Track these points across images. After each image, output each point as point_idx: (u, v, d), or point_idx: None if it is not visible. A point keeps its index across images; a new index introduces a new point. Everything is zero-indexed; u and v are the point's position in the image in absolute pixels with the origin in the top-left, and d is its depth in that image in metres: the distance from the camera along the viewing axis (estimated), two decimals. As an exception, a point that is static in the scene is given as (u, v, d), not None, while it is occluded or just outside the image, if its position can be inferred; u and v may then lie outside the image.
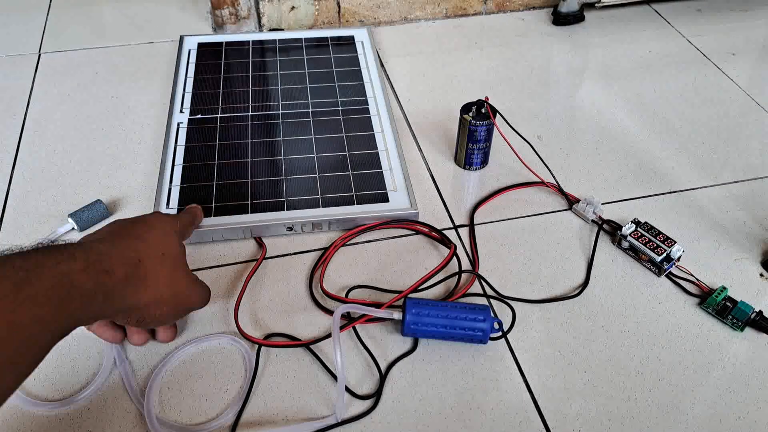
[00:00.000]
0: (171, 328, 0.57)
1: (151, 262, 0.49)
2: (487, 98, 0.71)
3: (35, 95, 0.87)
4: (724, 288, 0.63)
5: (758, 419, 0.54)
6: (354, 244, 0.68)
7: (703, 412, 0.54)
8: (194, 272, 0.64)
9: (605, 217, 0.70)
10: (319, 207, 0.69)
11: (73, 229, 0.67)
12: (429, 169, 0.77)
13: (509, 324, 0.60)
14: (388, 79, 0.91)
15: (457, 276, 0.64)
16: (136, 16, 1.03)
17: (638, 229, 0.66)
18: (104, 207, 0.68)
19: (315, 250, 0.67)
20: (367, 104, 0.83)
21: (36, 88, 0.88)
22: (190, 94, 0.84)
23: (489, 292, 0.63)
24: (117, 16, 1.03)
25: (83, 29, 1.00)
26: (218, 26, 0.98)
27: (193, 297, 0.54)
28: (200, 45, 0.93)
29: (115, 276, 0.44)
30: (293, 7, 0.97)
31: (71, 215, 0.67)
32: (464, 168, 0.77)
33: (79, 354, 0.57)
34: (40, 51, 0.95)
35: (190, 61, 0.90)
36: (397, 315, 0.57)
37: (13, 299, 0.37)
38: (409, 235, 0.69)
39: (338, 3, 0.98)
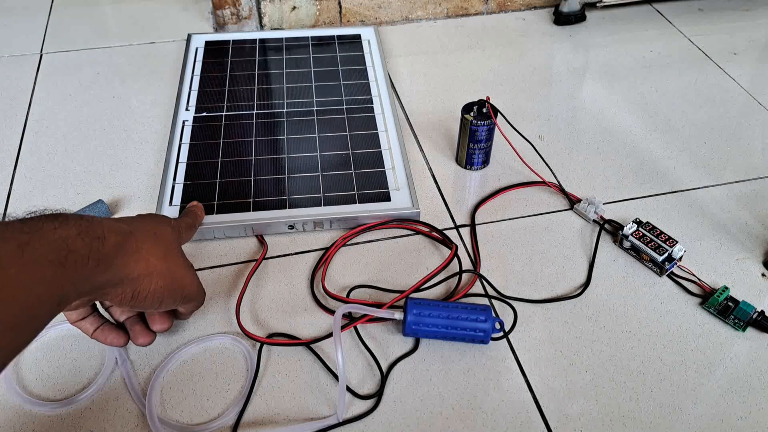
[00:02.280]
0: (166, 318, 0.56)
1: (143, 236, 0.49)
2: (488, 98, 0.71)
3: (37, 95, 0.87)
4: (725, 288, 0.62)
5: (760, 419, 0.54)
6: (355, 243, 0.68)
7: (704, 412, 0.54)
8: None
9: (607, 216, 0.70)
10: (321, 206, 0.69)
11: None
12: (430, 169, 0.77)
13: (510, 324, 0.60)
14: (390, 78, 0.90)
15: (458, 276, 0.64)
16: (137, 16, 1.03)
17: (640, 228, 0.66)
18: (106, 207, 0.69)
19: (316, 249, 0.67)
20: (372, 103, 0.83)
21: (38, 88, 0.88)
22: (196, 91, 0.84)
23: (490, 292, 0.63)
24: (118, 17, 1.04)
25: (85, 29, 1.00)
26: (219, 26, 0.98)
27: (187, 279, 0.53)
28: (207, 43, 0.93)
29: (107, 243, 0.45)
30: (294, 7, 0.97)
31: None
32: (465, 168, 0.76)
33: (80, 354, 0.57)
34: (41, 51, 0.95)
35: (197, 59, 0.90)
36: (398, 315, 0.57)
37: (18, 260, 0.38)
38: (411, 234, 0.69)
39: (339, 3, 0.98)
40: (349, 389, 0.55)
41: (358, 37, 0.95)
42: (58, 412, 0.53)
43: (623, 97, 0.88)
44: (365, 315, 0.59)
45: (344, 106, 0.82)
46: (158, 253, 0.50)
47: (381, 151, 0.76)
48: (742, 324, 0.60)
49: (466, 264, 0.66)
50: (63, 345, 0.58)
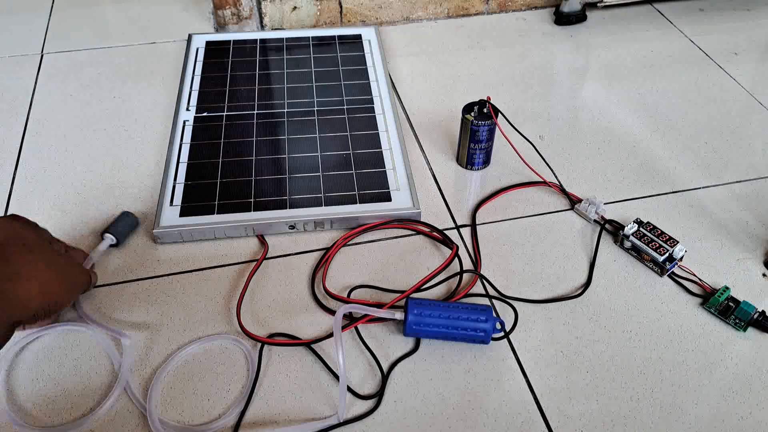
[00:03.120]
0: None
1: (17, 250, 0.49)
2: (489, 98, 0.71)
3: (38, 96, 0.87)
4: (726, 288, 0.62)
5: (761, 419, 0.54)
6: (356, 244, 0.68)
7: (705, 412, 0.54)
8: (196, 271, 0.65)
9: (607, 216, 0.70)
10: (321, 206, 0.69)
11: (111, 245, 0.65)
12: (431, 169, 0.77)
13: (511, 324, 0.60)
14: (391, 78, 0.90)
15: (459, 276, 0.64)
16: (138, 16, 1.03)
17: (641, 229, 0.66)
18: (135, 218, 0.68)
19: (317, 249, 0.67)
20: (373, 103, 0.83)
21: (38, 88, 0.88)
22: (197, 92, 0.84)
23: (491, 292, 0.63)
24: (119, 17, 1.04)
25: (86, 30, 1.00)
26: (220, 26, 0.98)
27: (76, 274, 0.55)
28: (208, 43, 0.93)
29: None
30: (295, 7, 0.97)
31: (106, 231, 0.65)
32: (466, 168, 0.76)
33: (84, 362, 0.58)
34: (42, 51, 0.95)
35: (198, 59, 0.90)
36: (399, 315, 0.57)
37: None
38: (412, 235, 0.69)
39: (340, 3, 0.98)
40: (349, 389, 0.55)
41: (358, 37, 0.95)
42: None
43: (624, 97, 0.88)
44: (366, 315, 0.59)
45: (345, 107, 0.82)
46: (42, 262, 0.50)
47: (382, 151, 0.76)
48: (743, 324, 0.60)
49: (467, 264, 0.66)
50: (72, 359, 0.58)
